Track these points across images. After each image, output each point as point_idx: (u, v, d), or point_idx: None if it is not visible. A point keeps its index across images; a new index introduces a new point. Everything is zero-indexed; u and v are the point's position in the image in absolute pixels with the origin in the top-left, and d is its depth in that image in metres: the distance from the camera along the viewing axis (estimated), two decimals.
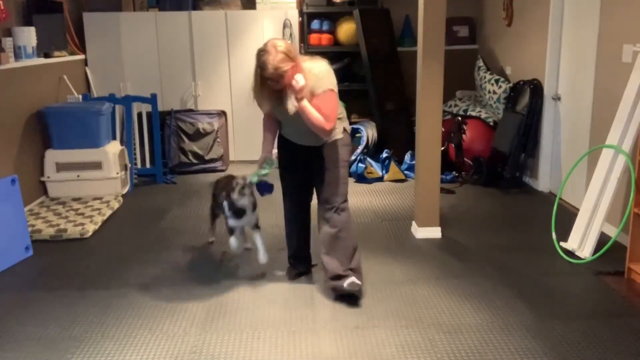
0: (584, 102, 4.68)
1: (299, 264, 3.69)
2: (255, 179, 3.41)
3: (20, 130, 5.03)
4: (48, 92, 5.56)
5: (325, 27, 6.87)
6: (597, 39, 4.42)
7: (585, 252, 3.83)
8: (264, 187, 3.46)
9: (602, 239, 3.82)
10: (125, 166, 5.66)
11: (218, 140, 6.34)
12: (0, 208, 3.85)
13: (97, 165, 5.32)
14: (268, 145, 3.45)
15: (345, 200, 3.37)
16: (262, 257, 3.61)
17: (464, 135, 5.83)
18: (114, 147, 5.50)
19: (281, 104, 3.11)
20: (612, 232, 3.97)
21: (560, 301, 3.29)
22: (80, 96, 5.86)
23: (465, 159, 5.86)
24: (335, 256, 3.31)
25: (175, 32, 6.49)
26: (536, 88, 5.31)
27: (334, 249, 3.31)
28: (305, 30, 6.83)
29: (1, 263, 3.82)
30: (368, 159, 6.07)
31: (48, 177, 5.30)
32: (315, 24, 6.83)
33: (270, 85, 3.05)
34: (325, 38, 6.86)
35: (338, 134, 3.33)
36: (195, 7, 6.61)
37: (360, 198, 5.36)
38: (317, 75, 3.14)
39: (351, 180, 5.84)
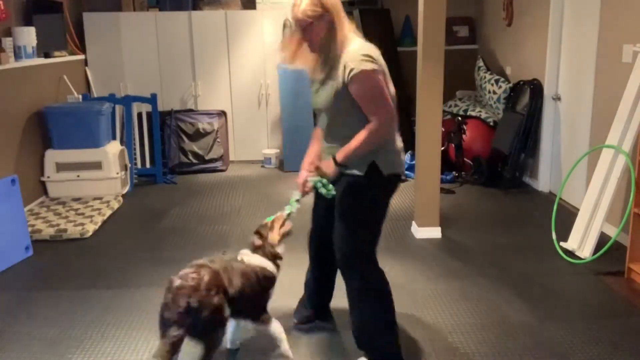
0: (584, 102, 4.68)
1: (311, 311, 3.04)
2: (293, 209, 2.61)
3: (20, 130, 5.03)
4: (48, 92, 5.56)
5: None
6: (597, 39, 4.42)
7: (585, 252, 3.82)
8: None
9: (602, 239, 3.82)
10: (125, 166, 5.66)
11: (218, 140, 6.34)
12: (0, 208, 3.86)
13: (97, 165, 5.32)
14: (310, 152, 2.65)
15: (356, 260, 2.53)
16: None
17: (464, 135, 5.83)
18: (114, 147, 5.50)
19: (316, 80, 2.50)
20: (612, 232, 3.97)
21: (560, 301, 3.29)
22: (80, 96, 5.86)
23: (465, 159, 5.86)
24: None
25: (175, 32, 6.49)
26: (536, 88, 5.31)
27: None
28: None
29: (1, 263, 3.83)
30: None
31: (48, 177, 5.30)
32: None
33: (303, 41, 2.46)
34: None
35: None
36: (195, 7, 6.61)
37: None
38: (346, 61, 2.35)
39: None
